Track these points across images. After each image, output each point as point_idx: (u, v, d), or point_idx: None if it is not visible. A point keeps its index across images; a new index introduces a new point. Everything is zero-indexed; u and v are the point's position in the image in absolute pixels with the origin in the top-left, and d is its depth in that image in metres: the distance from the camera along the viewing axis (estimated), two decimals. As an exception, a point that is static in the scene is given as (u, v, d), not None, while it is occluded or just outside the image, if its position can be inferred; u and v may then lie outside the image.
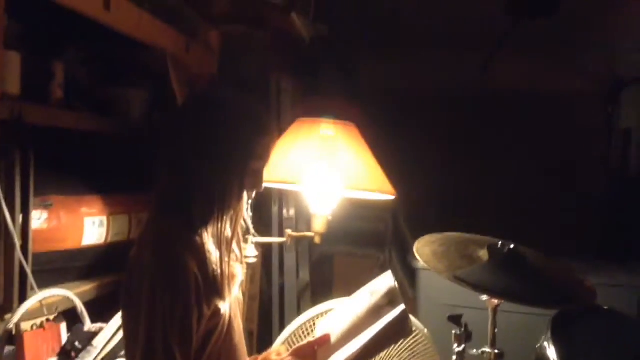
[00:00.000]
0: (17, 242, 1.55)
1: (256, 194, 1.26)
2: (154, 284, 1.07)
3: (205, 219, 1.15)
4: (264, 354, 1.35)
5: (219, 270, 1.15)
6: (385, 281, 1.27)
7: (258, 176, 1.20)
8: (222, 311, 1.15)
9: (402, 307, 1.17)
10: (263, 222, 2.74)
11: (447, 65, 2.99)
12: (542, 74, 2.92)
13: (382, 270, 1.46)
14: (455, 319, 1.32)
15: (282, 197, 2.78)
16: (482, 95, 2.99)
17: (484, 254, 1.51)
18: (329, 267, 3.13)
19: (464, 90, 3.00)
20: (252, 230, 1.30)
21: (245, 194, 1.23)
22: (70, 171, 1.90)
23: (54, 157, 1.82)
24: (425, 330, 1.68)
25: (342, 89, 3.05)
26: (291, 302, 2.79)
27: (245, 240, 1.69)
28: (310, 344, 1.31)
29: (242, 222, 1.26)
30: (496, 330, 1.52)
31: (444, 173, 2.98)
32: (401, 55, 3.07)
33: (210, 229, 1.16)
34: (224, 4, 2.41)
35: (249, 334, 2.68)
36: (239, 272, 1.26)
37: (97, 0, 1.72)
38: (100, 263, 1.93)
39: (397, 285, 1.24)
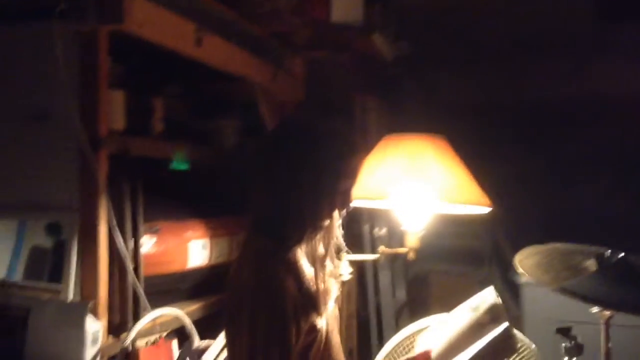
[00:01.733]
0: (130, 266, 1.66)
1: (347, 212, 1.27)
2: (253, 301, 1.12)
3: (299, 238, 1.19)
4: None
5: (314, 287, 1.17)
6: (488, 297, 1.24)
7: (347, 195, 1.22)
8: (319, 326, 1.17)
9: (506, 324, 1.14)
10: (355, 242, 2.76)
11: (531, 74, 2.90)
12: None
13: (482, 287, 1.43)
14: (565, 331, 1.26)
15: (373, 216, 2.78)
16: (574, 103, 2.86)
17: (591, 264, 1.44)
18: (426, 285, 3.08)
19: (555, 100, 2.88)
20: (344, 247, 1.32)
21: (336, 213, 1.25)
22: (174, 198, 2.03)
23: (159, 186, 1.95)
24: (533, 346, 1.61)
25: (427, 106, 3.03)
26: (388, 320, 2.77)
27: (339, 258, 1.70)
28: (411, 359, 1.30)
29: (334, 239, 1.28)
30: (610, 345, 1.43)
31: (542, 186, 2.86)
32: (482, 68, 3.01)
33: (304, 247, 1.19)
34: (306, 31, 2.48)
35: (348, 352, 2.69)
36: (334, 288, 1.27)
37: (189, 37, 1.85)
38: (205, 284, 2.02)
39: (499, 301, 1.20)
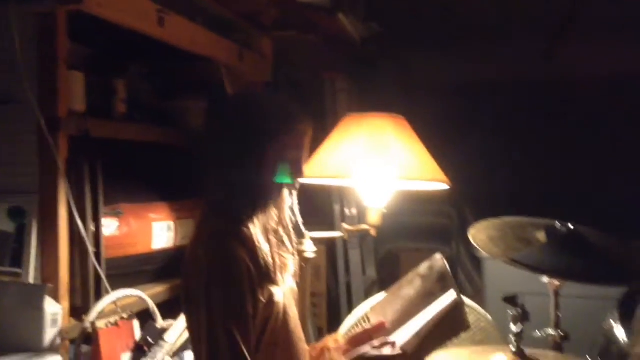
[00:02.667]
0: (91, 249, 1.66)
1: (297, 187, 1.28)
2: (209, 276, 1.14)
3: (250, 213, 1.20)
4: (322, 341, 1.37)
5: (269, 260, 1.19)
6: (436, 264, 1.26)
7: (295, 166, 1.23)
8: (277, 299, 1.19)
9: (452, 293, 1.16)
10: (326, 221, 2.78)
11: (505, 55, 2.92)
12: (609, 57, 2.78)
13: (449, 264, 1.45)
14: (511, 299, 1.29)
15: (343, 195, 2.80)
16: (544, 83, 2.89)
17: (542, 236, 1.47)
18: (396, 263, 3.12)
19: (525, 80, 2.91)
20: (300, 222, 1.33)
21: (286, 187, 1.26)
22: (137, 181, 2.02)
23: (121, 168, 1.94)
24: (489, 317, 1.65)
25: (399, 86, 3.04)
26: (359, 298, 2.80)
27: (301, 235, 1.72)
28: (366, 330, 1.32)
29: (288, 214, 1.30)
30: (560, 314, 1.47)
31: (509, 164, 2.90)
32: (457, 48, 3.02)
33: (256, 222, 1.21)
34: (273, 11, 2.47)
35: (318, 330, 2.72)
36: (291, 263, 1.29)
37: (151, 17, 1.83)
38: (170, 266, 2.03)
39: (447, 268, 1.23)
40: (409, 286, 1.28)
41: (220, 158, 1.22)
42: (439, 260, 1.26)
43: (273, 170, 1.20)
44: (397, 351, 1.16)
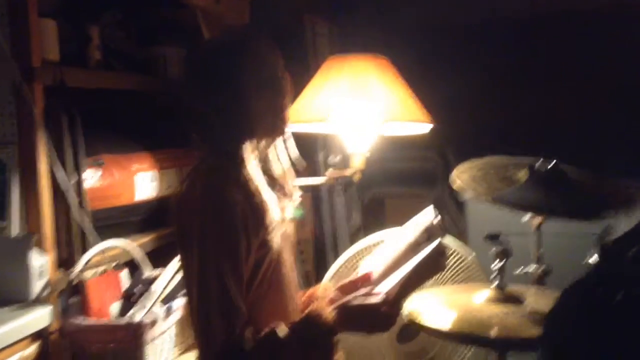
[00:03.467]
0: (74, 200, 1.65)
1: (284, 131, 1.27)
2: (203, 215, 1.14)
3: (244, 156, 1.20)
4: (312, 289, 1.40)
5: (264, 203, 1.19)
6: (427, 216, 1.27)
7: (274, 84, 1.21)
8: (270, 242, 1.19)
9: (437, 242, 1.18)
10: (310, 169, 2.78)
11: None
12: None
13: (435, 207, 1.46)
14: (493, 237, 1.31)
15: (327, 143, 2.79)
16: (527, 20, 2.86)
17: (524, 174, 1.48)
18: (381, 209, 3.15)
19: (506, 17, 2.87)
20: (290, 170, 1.33)
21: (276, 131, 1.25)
22: (118, 131, 1.99)
23: (101, 118, 1.90)
24: (472, 255, 1.68)
25: (380, 28, 2.98)
26: (344, 244, 2.83)
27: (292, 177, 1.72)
28: (353, 281, 1.34)
29: (281, 158, 1.29)
30: (542, 250, 1.50)
31: (491, 103, 2.89)
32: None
33: (251, 166, 1.20)
34: (250, -50, 2.39)
35: (305, 276, 2.76)
36: (288, 208, 1.29)
37: (123, -39, 1.76)
38: (156, 216, 2.02)
39: (438, 220, 1.23)
40: (399, 238, 1.30)
41: (205, 110, 1.20)
42: (428, 212, 1.27)
43: (258, 118, 1.19)
44: (380, 299, 1.18)
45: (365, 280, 1.32)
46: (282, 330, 1.14)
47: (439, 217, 1.25)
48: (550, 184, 1.41)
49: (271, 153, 1.30)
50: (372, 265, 1.34)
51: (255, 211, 1.17)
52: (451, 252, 1.69)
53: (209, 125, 1.20)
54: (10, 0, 1.55)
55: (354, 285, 1.33)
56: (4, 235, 1.55)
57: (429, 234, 1.23)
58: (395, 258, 1.27)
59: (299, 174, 1.78)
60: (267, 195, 1.22)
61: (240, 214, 1.14)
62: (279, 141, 1.32)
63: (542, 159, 1.47)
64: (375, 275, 1.31)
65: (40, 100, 1.61)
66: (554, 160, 1.47)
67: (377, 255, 1.37)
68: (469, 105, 2.78)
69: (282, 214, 1.27)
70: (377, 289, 1.23)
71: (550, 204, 1.35)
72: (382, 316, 1.18)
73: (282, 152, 1.35)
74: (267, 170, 1.28)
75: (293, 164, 1.38)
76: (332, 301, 1.25)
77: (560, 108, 2.76)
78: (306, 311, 1.20)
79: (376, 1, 3.04)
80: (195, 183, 1.19)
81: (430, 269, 1.22)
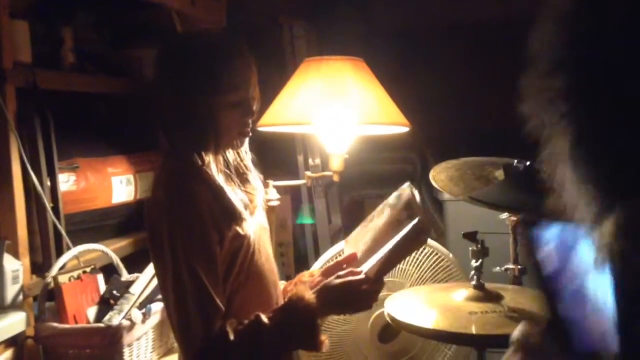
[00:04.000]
0: (48, 204, 1.62)
1: (250, 130, 1.26)
2: (170, 216, 1.13)
3: (205, 154, 1.18)
4: (298, 276, 1.39)
5: (231, 197, 1.18)
6: (404, 193, 1.27)
7: (243, 106, 1.20)
8: (243, 233, 1.19)
9: (417, 219, 1.18)
10: (290, 171, 2.77)
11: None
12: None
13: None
14: (470, 236, 1.32)
15: (306, 145, 2.79)
16: (500, 24, 2.89)
17: (500, 174, 1.50)
18: (360, 210, 3.15)
19: (482, 21, 2.91)
20: (251, 165, 1.31)
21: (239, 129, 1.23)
22: (93, 134, 1.96)
23: (75, 121, 1.88)
24: (450, 255, 1.69)
25: (358, 31, 2.99)
26: (325, 246, 2.83)
27: (266, 185, 1.71)
28: (338, 262, 1.34)
29: (243, 154, 1.28)
30: (518, 250, 1.51)
31: (467, 105, 2.92)
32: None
33: (213, 163, 1.19)
34: (226, -47, 2.38)
35: (286, 278, 2.76)
36: (258, 199, 1.28)
37: (96, -38, 1.74)
38: (132, 220, 2.00)
39: (415, 196, 1.24)
40: (379, 217, 1.30)
41: (168, 104, 1.19)
42: (406, 188, 1.27)
43: (222, 110, 1.17)
44: (360, 277, 1.18)
45: (351, 260, 1.32)
46: (265, 317, 1.13)
47: (416, 192, 1.25)
48: (525, 183, 1.43)
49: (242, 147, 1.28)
50: (355, 246, 1.34)
51: (223, 205, 1.17)
52: (430, 252, 1.70)
53: (171, 125, 1.19)
54: (-19, 1, 1.52)
55: (339, 267, 1.33)
56: (-24, 240, 1.52)
57: (409, 211, 1.23)
58: (376, 237, 1.27)
59: (275, 176, 1.78)
60: (233, 189, 1.21)
61: (207, 210, 1.14)
62: (243, 137, 1.29)
63: (517, 159, 1.49)
64: (359, 254, 1.31)
65: (12, 103, 1.58)
66: (529, 161, 1.48)
67: (359, 235, 1.37)
68: (446, 106, 2.81)
69: (252, 205, 1.26)
70: (358, 269, 1.23)
71: (525, 203, 1.36)
72: (364, 294, 1.19)
73: (246, 149, 1.33)
74: (231, 166, 1.27)
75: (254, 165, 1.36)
76: (317, 284, 1.25)
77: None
78: (287, 296, 1.20)
79: (354, 4, 3.05)
80: (159, 186, 1.19)
81: (411, 245, 1.22)
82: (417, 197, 1.23)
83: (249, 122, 1.22)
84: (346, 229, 3.00)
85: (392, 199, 1.30)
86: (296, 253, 2.89)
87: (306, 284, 1.28)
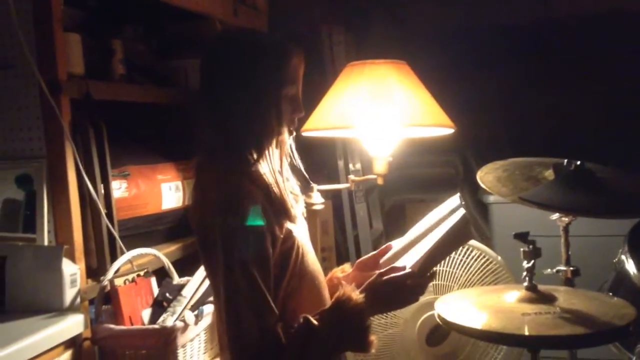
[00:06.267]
0: (102, 210, 1.67)
1: (296, 126, 1.27)
2: (223, 218, 1.12)
3: (255, 152, 1.18)
4: (330, 273, 1.39)
5: (283, 195, 1.18)
6: (452, 202, 1.26)
7: (295, 102, 1.22)
8: (294, 232, 1.19)
9: (462, 212, 1.17)
10: (331, 177, 2.79)
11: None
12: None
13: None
14: (522, 236, 1.30)
15: (347, 150, 2.81)
16: (543, 23, 2.86)
17: (549, 174, 1.48)
18: (402, 215, 3.14)
19: (524, 21, 2.87)
20: (299, 162, 1.32)
21: (287, 129, 1.25)
22: (142, 142, 2.02)
23: (125, 130, 1.93)
24: (499, 258, 1.68)
25: (396, 35, 3.00)
26: (367, 251, 2.83)
27: (310, 189, 1.73)
28: (373, 255, 1.34)
29: (290, 156, 1.29)
30: (569, 252, 1.49)
31: (511, 107, 2.88)
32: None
33: (262, 161, 1.19)
34: (267, -35, 2.42)
35: (328, 284, 2.76)
36: (300, 203, 1.29)
37: (144, -25, 1.80)
38: (181, 225, 2.04)
39: (462, 204, 1.23)
40: (423, 222, 1.30)
41: (216, 101, 1.20)
42: (456, 198, 1.26)
43: (274, 107, 1.18)
44: (404, 272, 1.17)
45: (386, 251, 1.31)
46: (314, 319, 1.12)
47: (464, 202, 1.25)
48: (577, 183, 1.41)
49: (286, 146, 1.29)
50: (395, 242, 1.34)
51: (275, 205, 1.16)
52: (478, 254, 1.69)
53: (234, 119, 1.18)
54: (36, 15, 1.58)
55: (374, 259, 1.32)
56: (36, 245, 1.58)
57: (453, 212, 1.23)
58: (418, 235, 1.27)
59: (315, 182, 1.79)
60: (285, 188, 1.21)
61: (260, 209, 1.12)
62: (290, 134, 1.30)
63: (567, 159, 1.47)
64: (396, 248, 1.30)
65: (67, 113, 1.64)
66: (580, 160, 1.46)
67: (403, 238, 1.37)
68: (489, 109, 2.78)
69: (299, 205, 1.26)
70: (401, 263, 1.22)
71: (578, 203, 1.34)
72: (409, 289, 1.18)
73: (292, 147, 1.34)
74: (279, 164, 1.26)
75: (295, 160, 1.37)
76: (354, 277, 1.24)
77: (582, 109, 2.75)
78: (335, 297, 1.18)
79: (391, 8, 3.05)
80: (208, 187, 1.17)
81: (457, 238, 1.21)
82: (464, 206, 1.23)
83: (296, 120, 1.24)
84: (388, 233, 2.99)
85: (439, 209, 1.30)
86: (338, 259, 2.90)
87: (351, 284, 1.27)
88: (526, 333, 1.19)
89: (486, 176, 1.50)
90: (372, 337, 1.17)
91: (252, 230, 1.11)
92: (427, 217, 1.32)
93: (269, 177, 1.18)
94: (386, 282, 1.18)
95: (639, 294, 1.38)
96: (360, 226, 2.87)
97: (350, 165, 2.81)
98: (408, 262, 1.20)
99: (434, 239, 1.18)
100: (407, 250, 1.24)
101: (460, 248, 1.20)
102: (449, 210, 1.24)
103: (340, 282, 1.31)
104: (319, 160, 2.75)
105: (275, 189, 1.17)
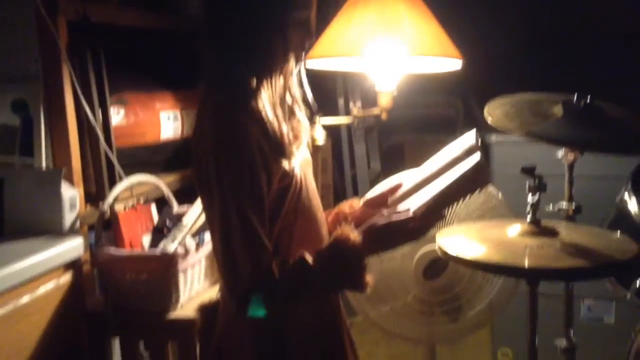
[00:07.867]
0: (100, 134, 1.65)
1: (307, 51, 1.21)
2: (218, 153, 1.09)
3: (256, 82, 1.13)
4: (337, 207, 1.36)
5: (280, 132, 1.14)
6: (468, 139, 1.22)
7: (305, 27, 1.16)
8: (291, 171, 1.16)
9: (478, 155, 1.14)
10: (331, 114, 2.75)
11: None
12: None
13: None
14: (528, 170, 1.29)
15: (348, 88, 2.76)
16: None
17: (558, 110, 1.45)
18: (400, 156, 3.13)
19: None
20: (308, 91, 1.27)
21: (294, 54, 1.18)
22: (141, 69, 1.97)
23: (123, 56, 1.88)
24: (500, 195, 1.67)
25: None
26: (364, 191, 2.83)
27: (313, 121, 1.70)
28: (382, 194, 1.31)
29: (296, 85, 1.25)
30: (573, 191, 1.48)
31: (514, 46, 2.80)
32: None
33: (263, 92, 1.14)
34: None
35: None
36: (305, 134, 1.25)
37: None
38: (180, 156, 2.02)
39: (479, 142, 1.19)
40: (436, 159, 1.27)
41: (217, 26, 1.13)
42: (472, 135, 1.22)
43: (280, 31, 1.12)
44: (406, 215, 1.15)
45: (395, 190, 1.28)
46: (310, 257, 1.11)
47: (480, 139, 1.20)
48: (586, 119, 1.38)
49: (292, 73, 1.24)
50: (405, 179, 1.31)
51: (272, 141, 1.12)
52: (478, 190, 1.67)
53: (238, 46, 1.12)
54: None
55: (382, 197, 1.30)
56: (35, 167, 1.56)
57: (468, 152, 1.19)
58: (429, 174, 1.24)
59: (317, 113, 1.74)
60: (284, 123, 1.16)
61: (256, 147, 1.09)
62: (299, 61, 1.24)
63: (576, 95, 1.44)
64: (407, 186, 1.27)
65: (64, 35, 1.59)
66: (589, 97, 1.44)
67: (410, 173, 1.34)
68: (494, 47, 2.71)
69: (300, 139, 1.22)
70: (405, 205, 1.20)
71: (586, 139, 1.32)
72: (409, 232, 1.17)
73: (301, 73, 1.29)
74: (282, 93, 1.20)
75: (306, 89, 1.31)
76: (361, 214, 1.23)
77: (592, 48, 2.68)
78: (332, 236, 1.16)
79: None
80: (205, 120, 1.13)
81: (471, 184, 1.16)
82: (479, 141, 1.18)
83: (306, 46, 1.18)
84: (385, 174, 2.99)
85: (453, 144, 1.26)
86: (335, 197, 2.90)
87: (351, 223, 1.23)
88: (526, 265, 1.19)
89: (494, 111, 1.47)
90: (369, 277, 1.16)
91: (245, 166, 1.08)
92: (442, 152, 1.28)
93: (268, 111, 1.13)
94: (387, 225, 1.17)
95: (638, 233, 1.38)
96: (358, 166, 2.86)
97: (351, 104, 2.78)
98: (414, 204, 1.18)
99: (444, 183, 1.15)
100: (417, 191, 1.21)
101: (477, 192, 1.16)
102: (463, 150, 1.19)
103: (346, 218, 1.29)
104: (318, 97, 2.70)
105: (274, 124, 1.13)
